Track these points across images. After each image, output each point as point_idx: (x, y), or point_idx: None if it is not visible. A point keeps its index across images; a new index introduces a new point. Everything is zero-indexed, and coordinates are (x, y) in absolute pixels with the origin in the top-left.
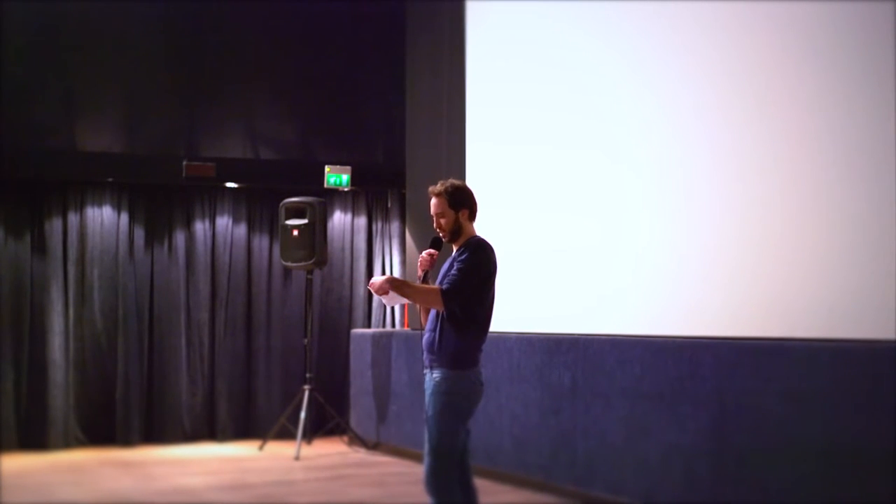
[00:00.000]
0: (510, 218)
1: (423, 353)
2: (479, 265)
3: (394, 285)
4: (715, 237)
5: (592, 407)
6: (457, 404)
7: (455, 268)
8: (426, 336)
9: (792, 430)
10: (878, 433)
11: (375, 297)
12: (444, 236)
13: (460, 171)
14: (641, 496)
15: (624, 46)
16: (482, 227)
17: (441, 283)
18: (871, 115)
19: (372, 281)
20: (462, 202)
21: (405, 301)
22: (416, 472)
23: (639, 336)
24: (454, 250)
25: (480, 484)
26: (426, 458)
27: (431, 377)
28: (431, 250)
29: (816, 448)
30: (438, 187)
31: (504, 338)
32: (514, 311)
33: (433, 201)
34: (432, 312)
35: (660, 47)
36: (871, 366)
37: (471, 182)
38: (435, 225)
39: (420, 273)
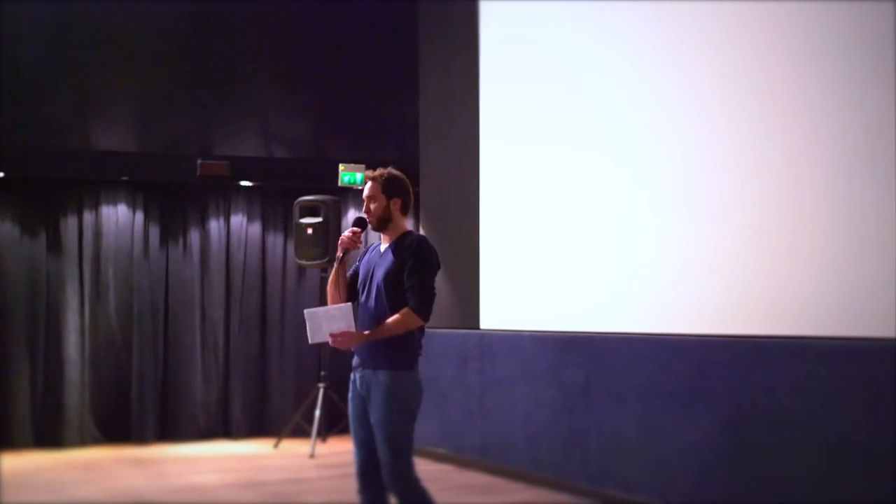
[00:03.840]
0: (523, 217)
1: (357, 351)
2: (432, 263)
3: (371, 340)
4: (727, 235)
5: (605, 405)
6: (410, 403)
7: (410, 275)
8: None
9: (805, 427)
10: (892, 431)
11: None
12: (370, 221)
13: (474, 170)
14: (654, 494)
15: (635, 48)
16: (496, 225)
17: (378, 280)
18: (873, 115)
19: (335, 334)
20: (395, 191)
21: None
22: (429, 469)
23: (651, 334)
24: (386, 244)
25: (494, 482)
26: (383, 460)
27: (374, 378)
28: (355, 228)
29: (830, 446)
30: (375, 172)
31: (517, 336)
32: (528, 309)
33: (367, 184)
34: (368, 313)
35: (664, 49)
36: (884, 363)
37: (484, 180)
38: (364, 209)
39: (340, 253)
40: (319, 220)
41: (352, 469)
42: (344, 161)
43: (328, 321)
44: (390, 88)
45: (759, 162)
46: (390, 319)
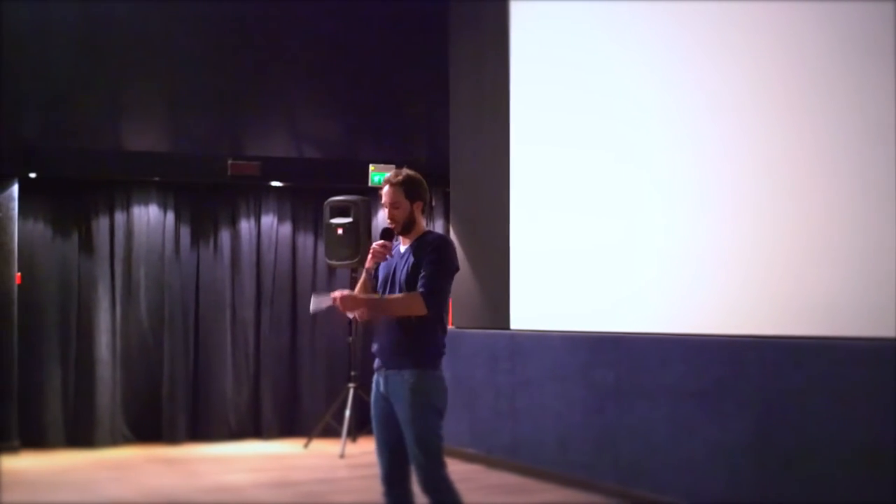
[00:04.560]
0: (553, 218)
1: (378, 353)
2: (449, 262)
3: (370, 306)
4: (758, 237)
5: (636, 406)
6: (436, 402)
7: (426, 267)
8: (386, 336)
9: (836, 428)
10: None
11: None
12: (395, 228)
13: (504, 171)
14: (685, 495)
15: (666, 50)
16: (526, 226)
17: (401, 281)
18: (874, 115)
19: (336, 296)
20: (418, 194)
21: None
22: (459, 469)
23: (681, 334)
24: (405, 246)
25: (524, 482)
26: (415, 461)
27: (398, 379)
28: (384, 241)
29: (861, 447)
30: (395, 177)
31: (547, 336)
32: (558, 308)
33: (387, 190)
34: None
35: (688, 53)
36: None
37: (515, 182)
38: (388, 216)
39: (370, 265)
40: (349, 220)
41: None
42: (374, 161)
43: (331, 294)
44: (421, 89)
45: (790, 160)
46: (396, 295)
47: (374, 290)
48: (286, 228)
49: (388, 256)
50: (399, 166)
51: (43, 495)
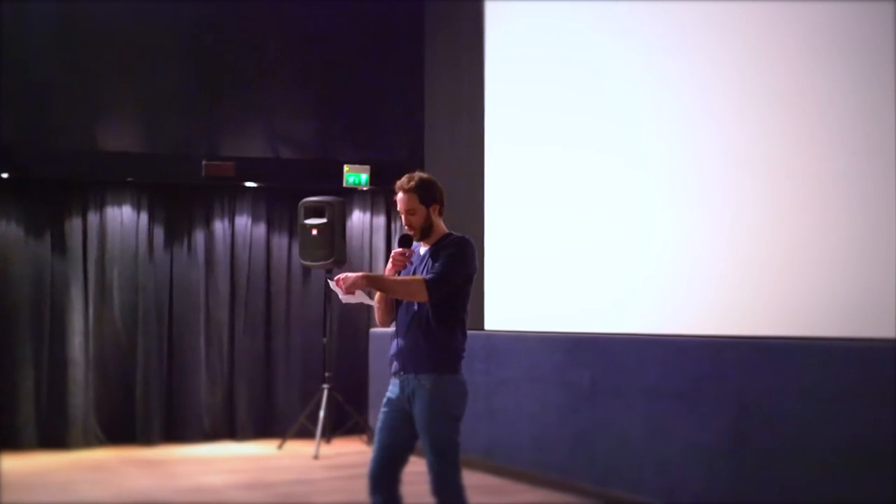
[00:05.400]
0: (529, 217)
1: (396, 356)
2: (467, 259)
3: (368, 281)
4: (734, 236)
5: (612, 406)
6: (454, 407)
7: (441, 259)
8: (404, 339)
9: (813, 429)
10: None
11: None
12: (414, 234)
13: (479, 171)
14: (661, 495)
15: (640, 48)
16: (501, 226)
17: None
18: (873, 115)
19: (340, 277)
20: (434, 197)
21: (366, 300)
22: None
23: (658, 335)
24: (423, 249)
25: (500, 483)
26: (430, 466)
27: (416, 383)
28: (403, 249)
29: (837, 447)
30: (407, 182)
31: (524, 337)
32: (534, 308)
33: (401, 197)
34: (409, 314)
35: (674, 49)
36: (892, 364)
37: (490, 181)
38: (405, 222)
39: (391, 273)
40: (324, 220)
41: (357, 470)
42: (349, 162)
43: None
44: (396, 89)
45: (781, 163)
46: (399, 277)
47: (393, 300)
48: (261, 229)
49: (407, 264)
50: (375, 167)
51: (21, 496)
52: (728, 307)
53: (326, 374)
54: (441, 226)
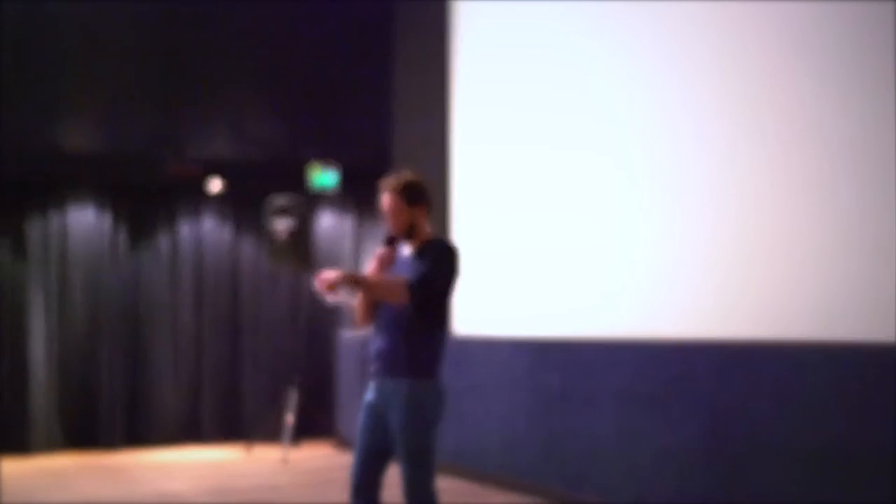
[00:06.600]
0: (498, 218)
1: (375, 358)
2: (450, 263)
3: (349, 280)
4: (707, 238)
5: (582, 410)
6: (431, 413)
7: (425, 262)
8: (383, 341)
9: (784, 432)
10: (871, 435)
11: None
12: (398, 235)
13: (447, 171)
14: (632, 499)
15: (614, 46)
16: (468, 226)
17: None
18: (870, 115)
19: (321, 276)
20: (419, 198)
21: (349, 300)
22: None
23: (629, 340)
24: (407, 252)
25: (469, 487)
26: (404, 472)
27: (393, 387)
28: (389, 247)
29: (809, 451)
30: (392, 182)
31: (494, 341)
32: (504, 311)
33: (386, 197)
34: (390, 313)
35: (651, 47)
36: (863, 368)
37: (458, 182)
38: (389, 223)
39: (376, 272)
40: (291, 221)
41: (326, 475)
42: (316, 162)
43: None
44: (365, 90)
45: (751, 163)
46: (380, 278)
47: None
48: (227, 231)
49: (393, 261)
50: (343, 167)
51: None
52: (701, 310)
53: (294, 378)
54: (425, 228)
